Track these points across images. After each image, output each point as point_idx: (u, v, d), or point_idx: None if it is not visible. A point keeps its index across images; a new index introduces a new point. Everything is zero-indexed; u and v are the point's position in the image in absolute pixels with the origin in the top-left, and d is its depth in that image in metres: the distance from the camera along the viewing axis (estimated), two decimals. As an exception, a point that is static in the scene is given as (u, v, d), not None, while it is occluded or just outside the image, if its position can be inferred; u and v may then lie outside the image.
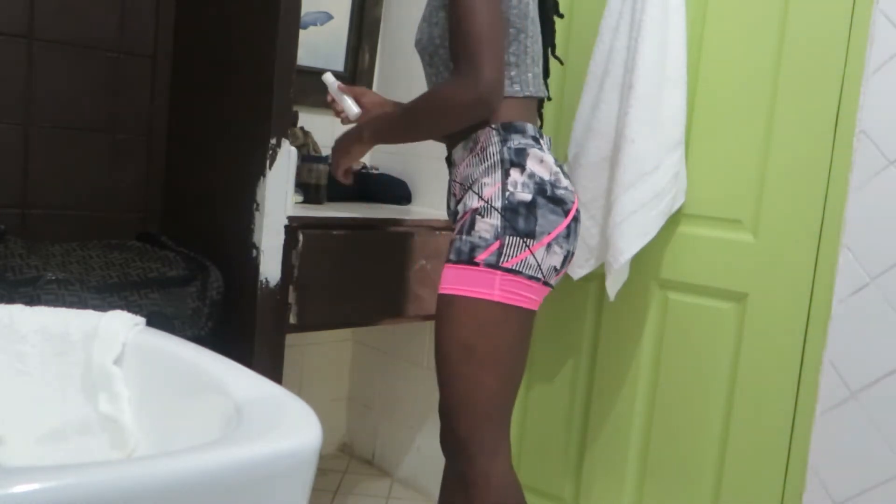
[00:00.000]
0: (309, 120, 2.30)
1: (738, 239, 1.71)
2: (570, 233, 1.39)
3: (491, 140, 1.40)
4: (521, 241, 1.33)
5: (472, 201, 1.39)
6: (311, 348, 2.50)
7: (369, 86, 2.49)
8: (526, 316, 1.37)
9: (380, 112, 1.63)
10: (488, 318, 1.34)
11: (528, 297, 1.35)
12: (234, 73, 1.79)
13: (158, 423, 1.33)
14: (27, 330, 1.41)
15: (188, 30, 1.95)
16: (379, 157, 2.50)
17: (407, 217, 1.98)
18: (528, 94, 1.44)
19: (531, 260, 1.34)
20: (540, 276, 1.35)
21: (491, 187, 1.37)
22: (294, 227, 1.72)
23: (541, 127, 1.52)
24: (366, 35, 2.43)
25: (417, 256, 1.94)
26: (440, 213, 2.17)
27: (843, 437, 1.55)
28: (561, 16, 1.64)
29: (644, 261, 1.82)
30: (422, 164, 2.36)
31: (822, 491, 1.58)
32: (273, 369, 1.72)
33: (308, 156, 2.02)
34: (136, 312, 1.48)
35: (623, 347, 1.89)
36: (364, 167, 2.36)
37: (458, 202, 1.46)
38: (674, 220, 1.78)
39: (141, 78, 1.95)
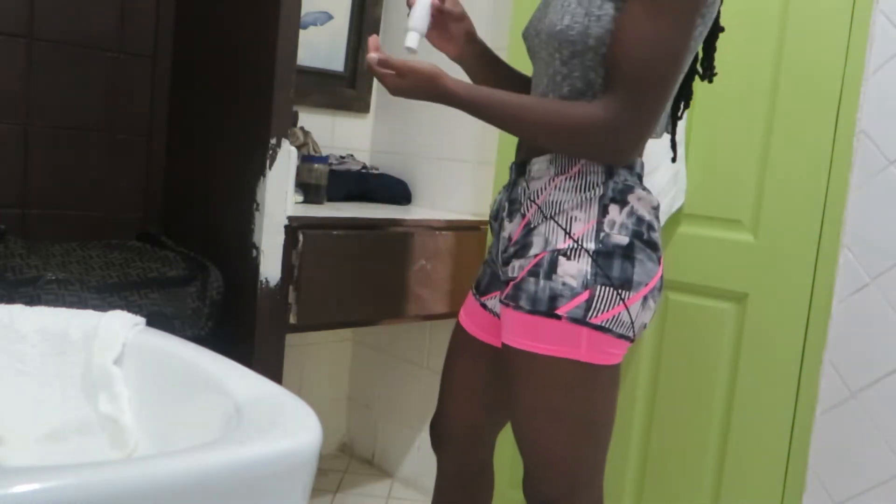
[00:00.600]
0: (309, 120, 2.30)
1: (738, 239, 1.71)
2: (662, 284, 1.22)
3: (594, 167, 1.19)
4: (616, 292, 1.15)
5: (557, 238, 1.18)
6: (311, 348, 2.50)
7: (369, 86, 2.49)
8: (614, 371, 1.20)
9: (465, 83, 1.23)
10: (578, 381, 1.17)
11: (616, 354, 1.18)
12: (234, 73, 1.79)
13: (158, 423, 1.33)
14: (27, 330, 1.41)
15: (188, 30, 1.95)
16: (379, 157, 2.50)
17: (407, 217, 1.98)
18: (654, 135, 1.27)
19: (624, 316, 1.16)
20: (631, 334, 1.18)
21: (583, 224, 1.17)
22: (294, 227, 1.72)
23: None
24: (366, 35, 2.43)
25: (417, 256, 1.94)
26: (440, 213, 2.17)
27: (843, 437, 1.55)
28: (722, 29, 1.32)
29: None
30: (422, 164, 2.36)
31: (822, 491, 1.58)
32: (273, 369, 1.72)
33: (308, 156, 2.02)
34: (136, 312, 1.48)
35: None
36: (364, 167, 2.36)
37: (529, 228, 1.23)
38: (674, 220, 1.78)
39: (141, 78, 1.95)
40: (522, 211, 1.25)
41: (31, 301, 1.49)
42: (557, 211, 1.20)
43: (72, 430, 1.38)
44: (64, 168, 1.86)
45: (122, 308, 1.51)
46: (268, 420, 1.07)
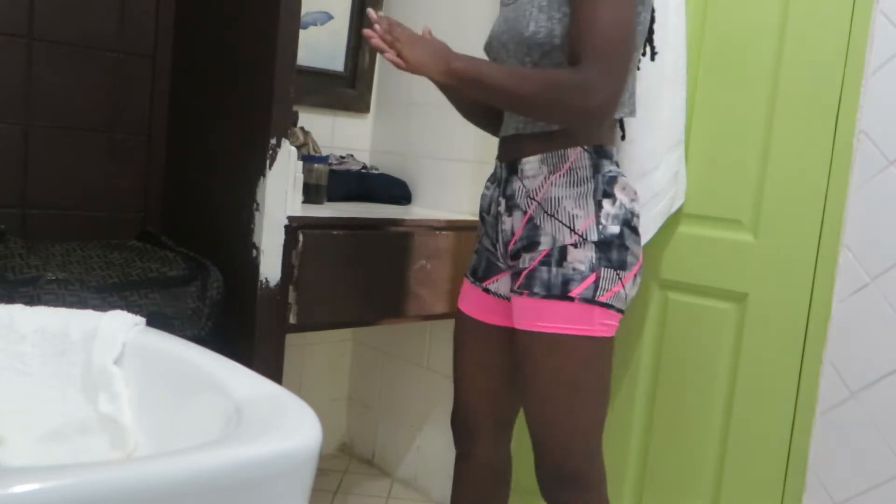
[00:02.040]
0: (309, 120, 2.30)
1: (738, 239, 1.71)
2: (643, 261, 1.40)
3: (582, 163, 1.35)
4: (615, 273, 1.32)
5: (563, 235, 1.33)
6: (311, 348, 2.50)
7: (369, 86, 2.49)
8: (611, 344, 1.37)
9: (469, 56, 1.34)
10: (592, 354, 1.33)
11: (614, 326, 1.35)
12: (234, 72, 1.79)
13: (158, 423, 1.33)
14: (27, 330, 1.41)
15: (188, 30, 1.95)
16: (379, 157, 2.50)
17: (407, 217, 1.98)
18: (622, 114, 1.41)
19: (622, 293, 1.34)
20: (624, 308, 1.36)
21: (584, 220, 1.33)
22: (294, 227, 1.72)
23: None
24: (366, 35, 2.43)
25: (417, 256, 1.94)
26: (440, 213, 2.17)
27: (843, 437, 1.55)
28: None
29: (644, 261, 1.82)
30: (422, 164, 2.36)
31: (822, 491, 1.58)
32: (273, 369, 1.72)
33: (308, 156, 2.02)
34: (136, 312, 1.48)
35: (623, 347, 1.89)
36: (364, 167, 2.36)
37: (534, 224, 1.36)
38: (674, 220, 1.78)
39: (141, 78, 1.95)
40: (523, 207, 1.38)
41: (31, 301, 1.49)
42: (557, 208, 1.34)
43: (72, 430, 1.38)
44: (64, 168, 1.86)
45: (122, 308, 1.51)
46: (268, 420, 1.07)
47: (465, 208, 2.21)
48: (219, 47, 1.84)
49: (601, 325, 1.32)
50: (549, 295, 1.32)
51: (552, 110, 1.28)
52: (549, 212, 1.35)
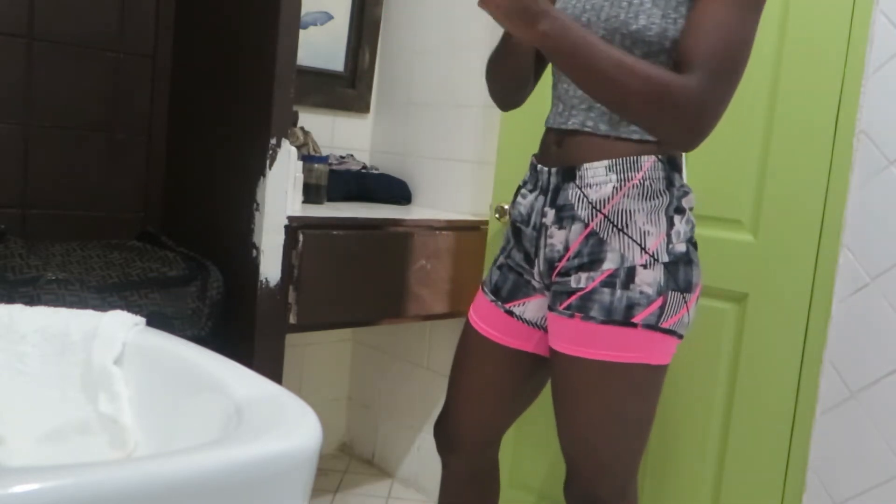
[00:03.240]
0: (309, 120, 2.30)
1: (738, 239, 1.71)
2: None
3: (656, 174, 1.20)
4: (681, 296, 1.20)
5: (633, 254, 1.18)
6: (311, 348, 2.50)
7: (369, 86, 2.49)
8: (666, 371, 1.25)
9: (569, 22, 1.12)
10: (643, 383, 1.21)
11: (672, 353, 1.23)
12: (234, 72, 1.79)
13: (158, 423, 1.33)
14: (27, 330, 1.41)
15: (188, 30, 1.95)
16: (379, 157, 2.50)
17: (407, 217, 1.98)
18: None
19: (685, 318, 1.22)
20: (685, 333, 1.24)
21: (655, 238, 1.19)
22: (294, 227, 1.72)
23: None
24: (366, 35, 2.43)
25: (417, 256, 1.94)
26: (440, 213, 2.17)
27: (843, 437, 1.55)
28: None
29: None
30: (422, 164, 2.36)
31: (822, 491, 1.58)
32: (273, 369, 1.72)
33: (308, 156, 2.02)
34: (136, 312, 1.48)
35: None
36: (364, 167, 2.36)
37: (599, 239, 1.21)
38: (674, 220, 1.78)
39: (141, 78, 1.95)
40: (584, 219, 1.21)
41: (31, 301, 1.49)
42: (628, 222, 1.19)
43: (72, 430, 1.38)
44: (64, 168, 1.86)
45: (122, 308, 1.51)
46: (268, 420, 1.07)
47: (465, 208, 2.21)
48: (219, 47, 1.84)
49: (660, 352, 1.20)
50: (608, 320, 1.18)
51: (653, 117, 1.14)
52: (618, 226, 1.19)
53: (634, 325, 1.17)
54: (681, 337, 1.23)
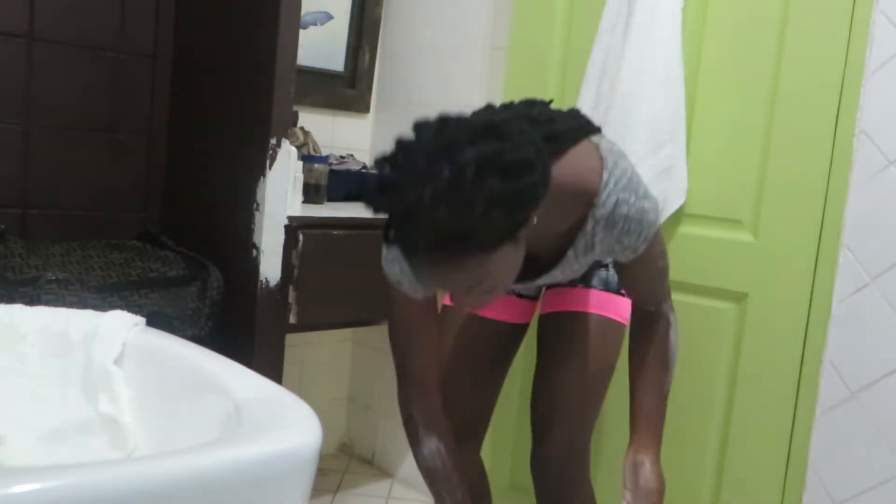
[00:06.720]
0: (309, 120, 2.30)
1: (738, 239, 1.70)
2: None
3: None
4: None
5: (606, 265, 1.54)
6: (311, 348, 2.50)
7: (369, 86, 2.49)
8: None
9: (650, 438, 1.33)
10: (620, 338, 1.51)
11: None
12: (234, 72, 1.79)
13: (158, 423, 1.33)
14: (27, 330, 1.41)
15: (188, 30, 1.95)
16: (379, 157, 2.50)
17: (407, 217, 1.98)
18: None
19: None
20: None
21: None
22: (294, 227, 1.72)
23: None
24: (366, 35, 2.43)
25: (417, 256, 1.94)
26: (440, 213, 2.16)
27: (843, 437, 1.55)
28: None
29: (644, 261, 1.82)
30: (422, 164, 2.35)
31: (822, 491, 1.58)
32: (273, 369, 1.72)
33: (308, 156, 2.02)
34: (136, 312, 1.48)
35: (624, 347, 1.89)
36: (364, 167, 2.36)
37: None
38: (674, 220, 1.78)
39: (141, 78, 1.95)
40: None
41: (31, 301, 1.49)
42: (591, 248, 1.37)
43: (72, 430, 1.38)
44: (64, 168, 1.86)
45: (122, 308, 1.51)
46: (268, 420, 1.07)
47: (465, 208, 2.20)
48: (219, 47, 1.84)
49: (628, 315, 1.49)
50: (606, 289, 1.49)
51: (674, 359, 1.39)
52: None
53: (622, 294, 1.49)
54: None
